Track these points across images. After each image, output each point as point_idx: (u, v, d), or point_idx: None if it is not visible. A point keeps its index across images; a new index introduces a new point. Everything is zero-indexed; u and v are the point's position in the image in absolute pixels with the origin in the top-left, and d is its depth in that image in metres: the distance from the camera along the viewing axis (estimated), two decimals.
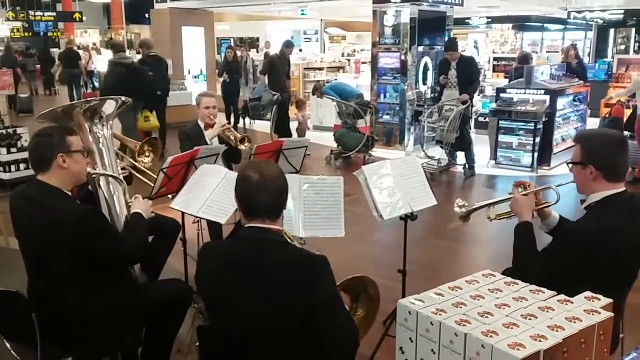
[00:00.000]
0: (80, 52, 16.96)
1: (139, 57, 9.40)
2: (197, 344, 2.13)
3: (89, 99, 3.02)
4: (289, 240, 2.13)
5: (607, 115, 8.82)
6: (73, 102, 2.95)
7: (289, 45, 9.76)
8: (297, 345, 1.92)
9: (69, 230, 2.38)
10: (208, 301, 2.12)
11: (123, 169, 3.29)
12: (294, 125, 10.19)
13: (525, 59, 9.82)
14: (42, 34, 24.12)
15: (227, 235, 4.09)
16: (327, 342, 1.91)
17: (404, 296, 2.97)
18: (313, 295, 1.88)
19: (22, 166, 6.93)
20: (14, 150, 6.98)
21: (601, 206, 2.28)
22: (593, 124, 9.35)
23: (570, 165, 2.37)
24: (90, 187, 2.90)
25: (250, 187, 1.98)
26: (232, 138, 4.42)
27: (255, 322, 1.92)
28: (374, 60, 9.56)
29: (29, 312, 2.36)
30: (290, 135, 9.54)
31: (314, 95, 9.92)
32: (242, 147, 4.41)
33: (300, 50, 9.34)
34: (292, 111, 10.23)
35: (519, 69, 9.13)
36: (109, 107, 2.99)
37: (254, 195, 1.98)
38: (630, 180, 5.95)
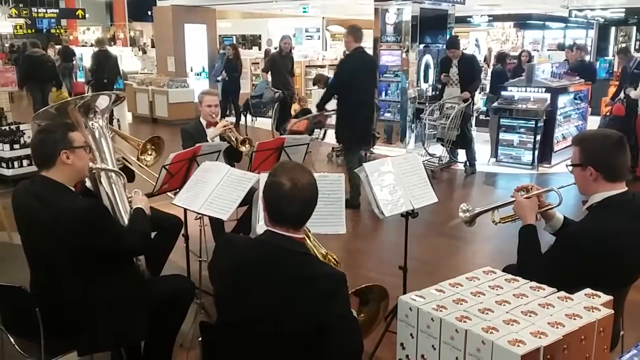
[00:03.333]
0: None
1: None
2: (199, 339, 2.14)
3: (82, 95, 3.05)
4: (310, 250, 2.08)
5: (608, 114, 8.80)
6: (67, 99, 2.98)
7: (282, 39, 10.03)
8: (300, 348, 1.91)
9: (73, 225, 2.38)
10: (217, 292, 2.11)
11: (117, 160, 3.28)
12: None
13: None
14: (44, 30, 24.02)
15: (230, 231, 4.11)
16: (330, 355, 1.89)
17: (404, 292, 2.99)
18: (324, 316, 1.84)
19: (24, 162, 6.93)
20: (16, 146, 6.98)
21: (602, 207, 2.29)
22: (594, 122, 9.34)
23: (570, 167, 2.38)
24: (86, 183, 2.91)
25: (280, 195, 1.90)
26: (233, 139, 4.40)
27: (259, 326, 1.91)
28: (375, 57, 9.54)
29: (32, 306, 2.37)
30: None
31: (314, 85, 9.93)
32: (242, 149, 4.39)
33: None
34: (293, 108, 10.23)
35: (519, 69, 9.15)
36: (103, 102, 3.00)
37: (283, 204, 1.91)
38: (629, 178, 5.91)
